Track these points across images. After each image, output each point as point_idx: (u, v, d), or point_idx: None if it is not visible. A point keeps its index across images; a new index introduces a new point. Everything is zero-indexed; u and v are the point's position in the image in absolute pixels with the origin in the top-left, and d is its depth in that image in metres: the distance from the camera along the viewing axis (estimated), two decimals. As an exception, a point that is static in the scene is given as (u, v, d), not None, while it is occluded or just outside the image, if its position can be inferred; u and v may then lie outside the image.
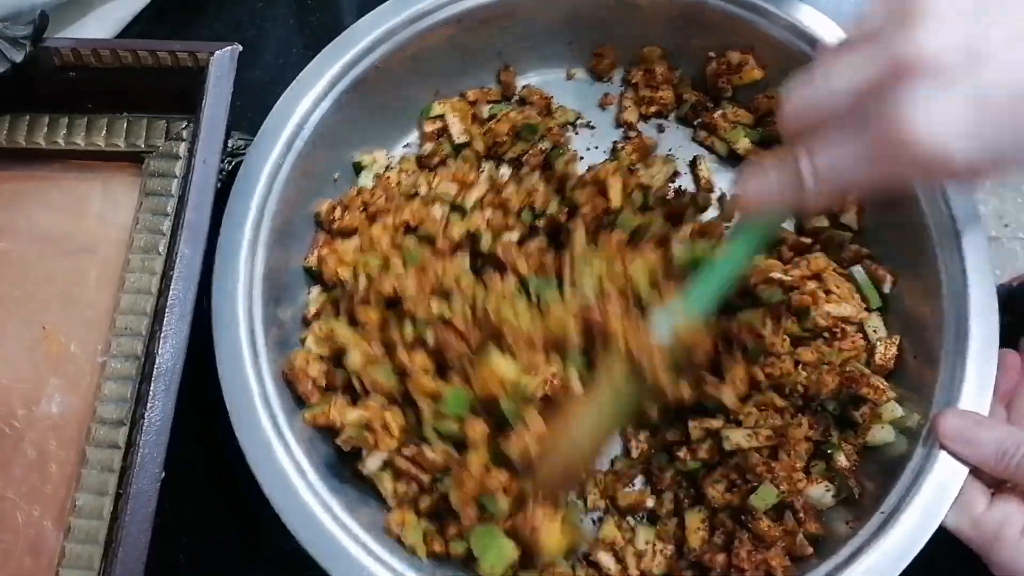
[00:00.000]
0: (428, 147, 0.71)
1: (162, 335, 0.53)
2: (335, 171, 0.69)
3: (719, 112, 0.70)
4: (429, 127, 0.71)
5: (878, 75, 0.39)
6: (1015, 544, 0.49)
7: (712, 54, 0.70)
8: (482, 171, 0.69)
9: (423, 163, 0.71)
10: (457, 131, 0.70)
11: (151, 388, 0.51)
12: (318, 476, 0.55)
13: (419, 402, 0.57)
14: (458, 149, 0.71)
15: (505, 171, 0.70)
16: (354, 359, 0.59)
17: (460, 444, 0.57)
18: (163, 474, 0.50)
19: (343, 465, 0.59)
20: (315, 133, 0.64)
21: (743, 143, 0.69)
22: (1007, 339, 0.56)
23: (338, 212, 0.66)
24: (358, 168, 0.70)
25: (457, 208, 0.66)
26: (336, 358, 0.60)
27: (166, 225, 0.62)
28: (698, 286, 0.53)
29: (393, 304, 0.61)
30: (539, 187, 0.66)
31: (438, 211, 0.65)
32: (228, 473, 0.65)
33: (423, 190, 0.67)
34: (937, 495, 0.52)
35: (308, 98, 0.63)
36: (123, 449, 0.56)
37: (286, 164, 0.62)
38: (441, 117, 0.71)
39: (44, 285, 0.62)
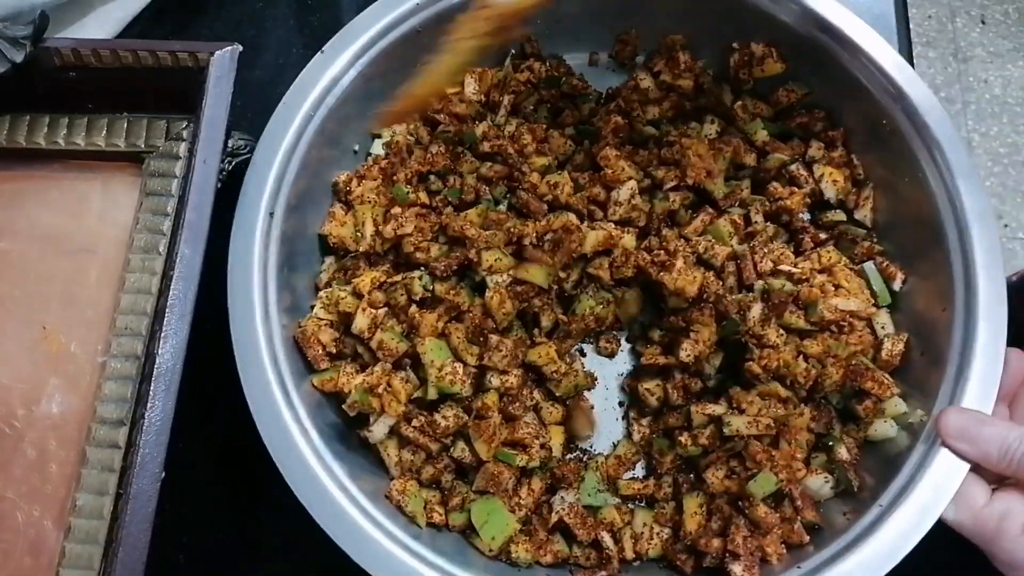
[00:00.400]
0: (432, 102, 0.72)
1: (162, 335, 0.53)
2: (355, 142, 0.69)
3: (739, 103, 0.71)
4: (450, 90, 0.72)
5: None
6: (1016, 537, 0.49)
7: (735, 45, 0.71)
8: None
9: (426, 117, 0.72)
10: (471, 90, 0.71)
11: (151, 388, 0.51)
12: (323, 442, 0.55)
13: (425, 359, 0.58)
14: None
15: (508, 99, 0.72)
16: (360, 323, 0.60)
17: (467, 409, 0.59)
18: (163, 474, 0.50)
19: (349, 433, 0.60)
20: (338, 102, 0.65)
21: (761, 135, 0.69)
22: (1011, 336, 0.57)
23: (355, 183, 0.67)
24: (376, 139, 0.71)
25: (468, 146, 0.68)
26: (346, 326, 0.62)
27: (166, 225, 0.62)
28: None
29: (397, 263, 0.64)
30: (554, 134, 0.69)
31: (435, 149, 0.67)
32: (228, 473, 0.65)
33: (425, 139, 0.69)
34: (935, 492, 0.52)
35: (333, 68, 0.64)
36: (123, 449, 0.56)
37: (307, 132, 0.63)
38: (461, 83, 0.72)
39: (44, 285, 0.62)
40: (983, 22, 1.99)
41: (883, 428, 0.59)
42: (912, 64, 0.78)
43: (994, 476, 0.53)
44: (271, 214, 0.60)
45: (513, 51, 0.74)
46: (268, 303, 0.58)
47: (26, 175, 0.66)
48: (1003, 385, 0.55)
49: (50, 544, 0.55)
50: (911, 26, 0.81)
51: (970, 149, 1.79)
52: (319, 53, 0.65)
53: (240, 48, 0.61)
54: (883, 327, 0.63)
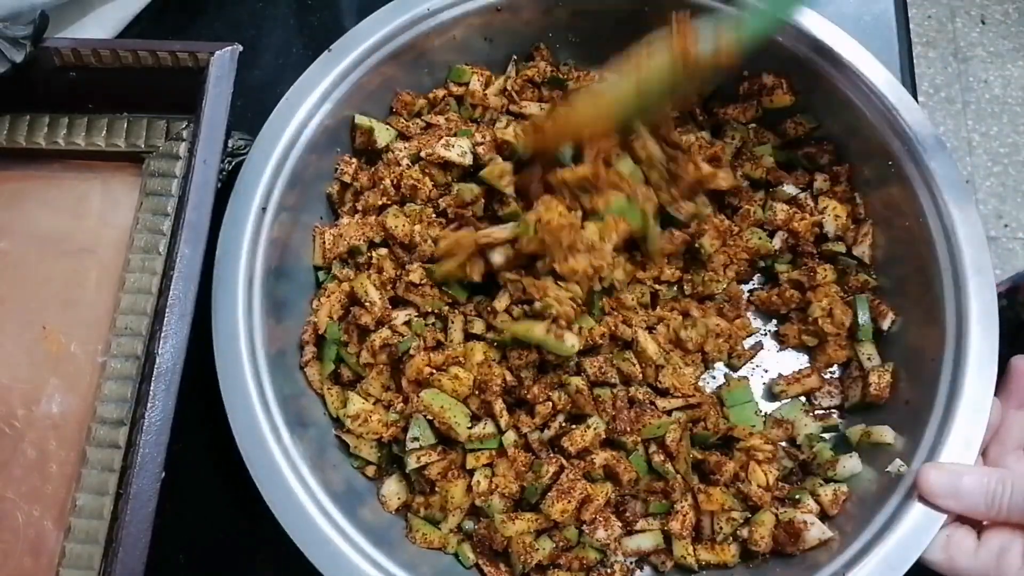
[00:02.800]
0: (421, 101, 0.71)
1: (162, 335, 0.53)
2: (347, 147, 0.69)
3: (751, 125, 0.70)
4: (455, 90, 0.71)
5: None
6: (1018, 570, 0.49)
7: (746, 72, 0.70)
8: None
9: (419, 112, 0.71)
10: (475, 89, 0.71)
11: (151, 388, 0.51)
12: (299, 453, 0.56)
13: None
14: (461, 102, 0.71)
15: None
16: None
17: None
18: (163, 474, 0.50)
19: (325, 439, 0.61)
20: (338, 105, 0.65)
21: (768, 160, 0.69)
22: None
23: (348, 196, 0.67)
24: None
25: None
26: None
27: (166, 225, 0.62)
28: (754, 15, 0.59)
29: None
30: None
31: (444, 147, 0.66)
32: (228, 473, 0.65)
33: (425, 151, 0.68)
34: (903, 548, 0.51)
35: (339, 67, 0.64)
36: (123, 449, 0.56)
37: (308, 129, 0.63)
38: (467, 84, 0.71)
39: (44, 285, 0.62)
40: (983, 22, 1.99)
41: (851, 464, 0.58)
42: (912, 64, 0.78)
43: (976, 522, 0.52)
44: (263, 209, 0.60)
45: (515, 56, 0.73)
46: (252, 300, 0.58)
47: (26, 175, 0.66)
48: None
49: (50, 544, 0.55)
50: (911, 26, 0.81)
51: (973, 193, 1.78)
52: (326, 51, 0.65)
53: (240, 48, 0.61)
54: (869, 358, 0.62)
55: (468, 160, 0.65)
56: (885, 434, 0.58)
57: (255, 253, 0.59)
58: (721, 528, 0.58)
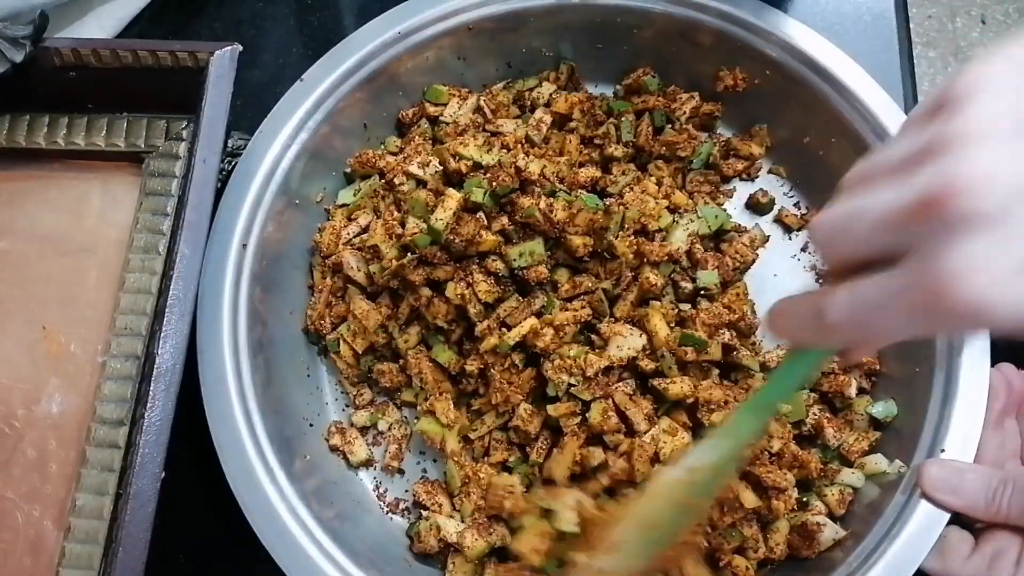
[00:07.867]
0: (400, 122, 0.70)
1: (162, 335, 0.53)
2: (331, 174, 0.68)
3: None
4: (431, 110, 0.70)
5: (917, 215, 0.31)
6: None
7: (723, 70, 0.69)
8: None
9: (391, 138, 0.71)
10: (451, 111, 0.70)
11: (151, 388, 0.51)
12: (291, 486, 0.56)
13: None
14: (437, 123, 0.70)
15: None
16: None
17: None
18: (163, 474, 0.50)
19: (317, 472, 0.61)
20: (313, 135, 0.64)
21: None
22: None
23: (335, 244, 0.66)
24: (350, 178, 0.69)
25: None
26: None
27: (166, 225, 0.62)
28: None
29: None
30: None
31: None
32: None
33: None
34: (914, 546, 0.51)
35: (312, 97, 0.64)
36: (123, 449, 0.56)
37: (283, 162, 0.63)
38: (445, 104, 0.70)
39: (44, 285, 0.62)
40: (983, 22, 1.99)
41: (850, 479, 0.58)
42: (912, 64, 0.78)
43: (973, 522, 0.52)
44: (244, 245, 0.60)
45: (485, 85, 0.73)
46: (238, 338, 0.58)
47: (26, 175, 0.66)
48: (999, 407, 0.54)
49: (50, 544, 0.55)
50: (911, 26, 0.81)
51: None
52: (298, 80, 0.64)
53: (240, 48, 0.61)
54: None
55: (431, 173, 0.64)
56: (879, 462, 0.58)
57: (238, 290, 0.59)
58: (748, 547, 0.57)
